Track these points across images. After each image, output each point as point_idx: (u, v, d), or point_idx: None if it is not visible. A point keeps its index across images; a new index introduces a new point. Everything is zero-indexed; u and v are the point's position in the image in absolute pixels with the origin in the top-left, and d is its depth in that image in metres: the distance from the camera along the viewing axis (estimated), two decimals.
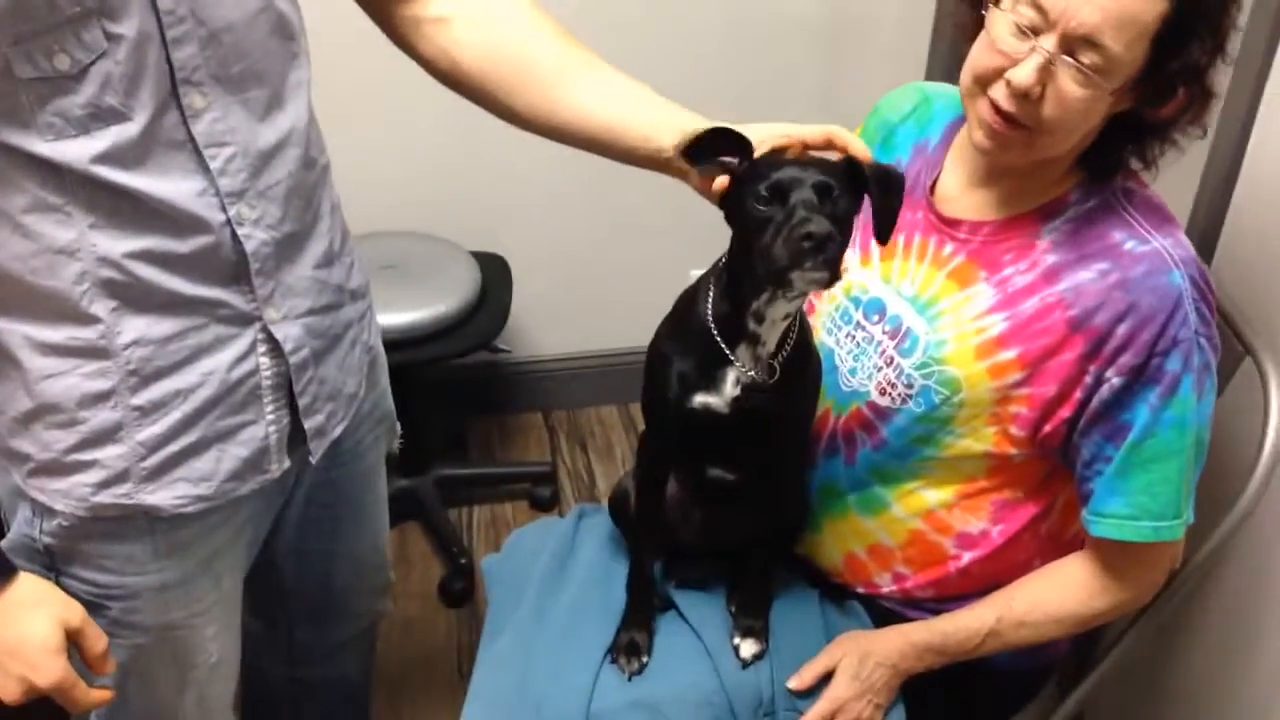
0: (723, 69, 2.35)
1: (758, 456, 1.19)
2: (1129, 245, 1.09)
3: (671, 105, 1.11)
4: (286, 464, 1.09)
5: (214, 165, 0.93)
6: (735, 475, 1.21)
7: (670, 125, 1.07)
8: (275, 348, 1.03)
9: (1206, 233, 1.34)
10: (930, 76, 2.07)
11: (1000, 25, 1.05)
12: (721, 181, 1.03)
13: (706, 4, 2.27)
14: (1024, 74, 1.03)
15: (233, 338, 1.00)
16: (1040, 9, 1.02)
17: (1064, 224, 1.12)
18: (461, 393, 2.60)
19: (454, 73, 1.12)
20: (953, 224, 1.19)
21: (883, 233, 1.03)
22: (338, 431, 1.15)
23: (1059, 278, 1.10)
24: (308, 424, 1.09)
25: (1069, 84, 1.02)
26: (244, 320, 1.01)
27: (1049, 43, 1.02)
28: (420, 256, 2.21)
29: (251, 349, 1.02)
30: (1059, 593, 1.18)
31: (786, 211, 0.97)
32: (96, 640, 0.99)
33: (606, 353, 2.65)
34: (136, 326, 0.95)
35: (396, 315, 2.04)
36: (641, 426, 2.76)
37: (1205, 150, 1.33)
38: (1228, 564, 1.39)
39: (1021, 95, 1.03)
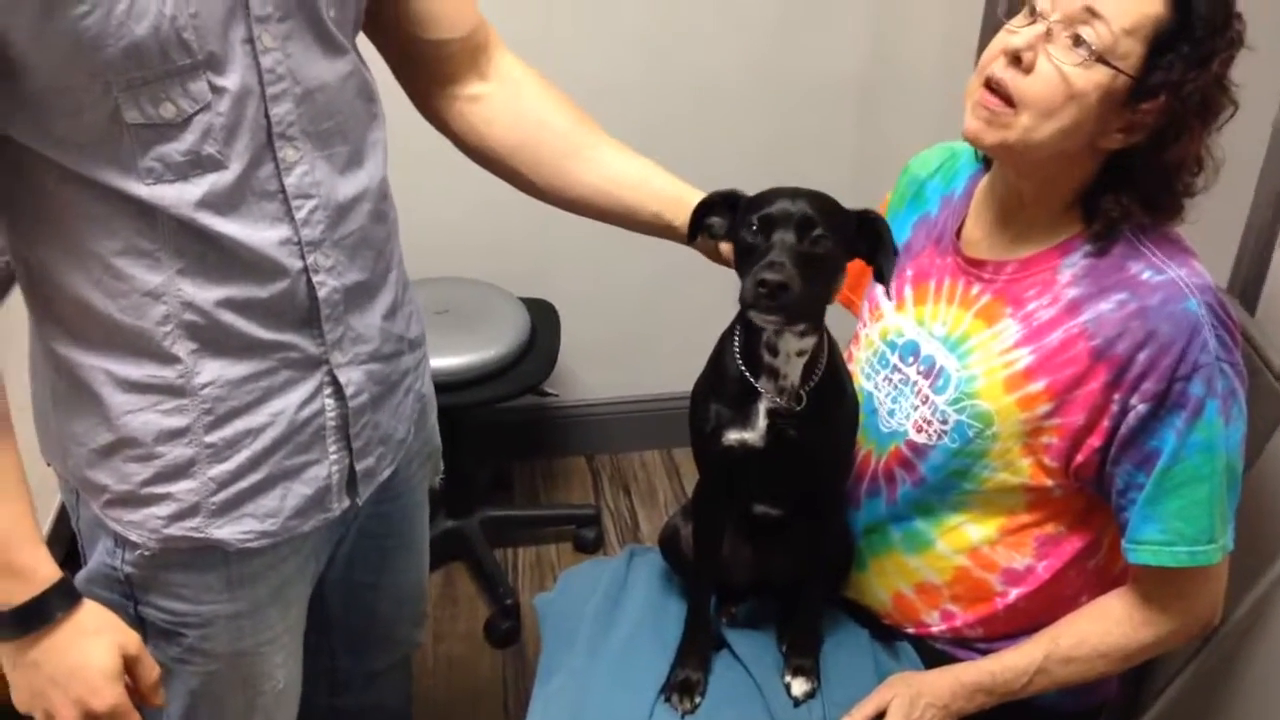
0: (758, 126, 2.40)
1: (799, 490, 1.22)
2: (1145, 275, 1.11)
3: (678, 181, 1.22)
4: (347, 503, 1.13)
5: (299, 215, 0.98)
6: (780, 511, 1.24)
7: (680, 202, 1.18)
8: (339, 390, 1.07)
9: (1248, 287, 1.35)
10: None
11: (1015, 18, 1.11)
12: (725, 250, 1.13)
13: (742, 60, 2.33)
14: (1019, 37, 1.08)
15: (301, 380, 1.04)
16: None
17: (1082, 259, 1.15)
18: (507, 435, 2.64)
19: (481, 147, 1.21)
20: (978, 265, 1.22)
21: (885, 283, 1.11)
22: (385, 474, 1.18)
23: (1080, 310, 1.13)
24: (359, 466, 1.12)
25: (1061, 54, 1.06)
26: (313, 364, 1.05)
27: (1055, 17, 1.07)
28: (471, 302, 2.27)
29: (318, 391, 1.06)
30: (1104, 627, 1.19)
31: (765, 246, 1.04)
32: (151, 670, 1.02)
33: (650, 397, 2.69)
34: (214, 368, 0.99)
35: (447, 359, 2.09)
36: (684, 470, 2.79)
37: (1246, 206, 1.35)
38: (1277, 611, 1.39)
39: (1013, 57, 1.08)
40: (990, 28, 2.16)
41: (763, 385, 1.13)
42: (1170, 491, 1.11)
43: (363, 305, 1.07)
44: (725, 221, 1.13)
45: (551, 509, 2.61)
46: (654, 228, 1.22)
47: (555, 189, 1.22)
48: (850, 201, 1.14)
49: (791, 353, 1.12)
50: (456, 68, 1.18)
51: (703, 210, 1.13)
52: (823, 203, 1.07)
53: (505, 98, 1.20)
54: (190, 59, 0.87)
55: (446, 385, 2.09)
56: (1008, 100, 1.09)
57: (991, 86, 1.10)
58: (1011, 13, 1.13)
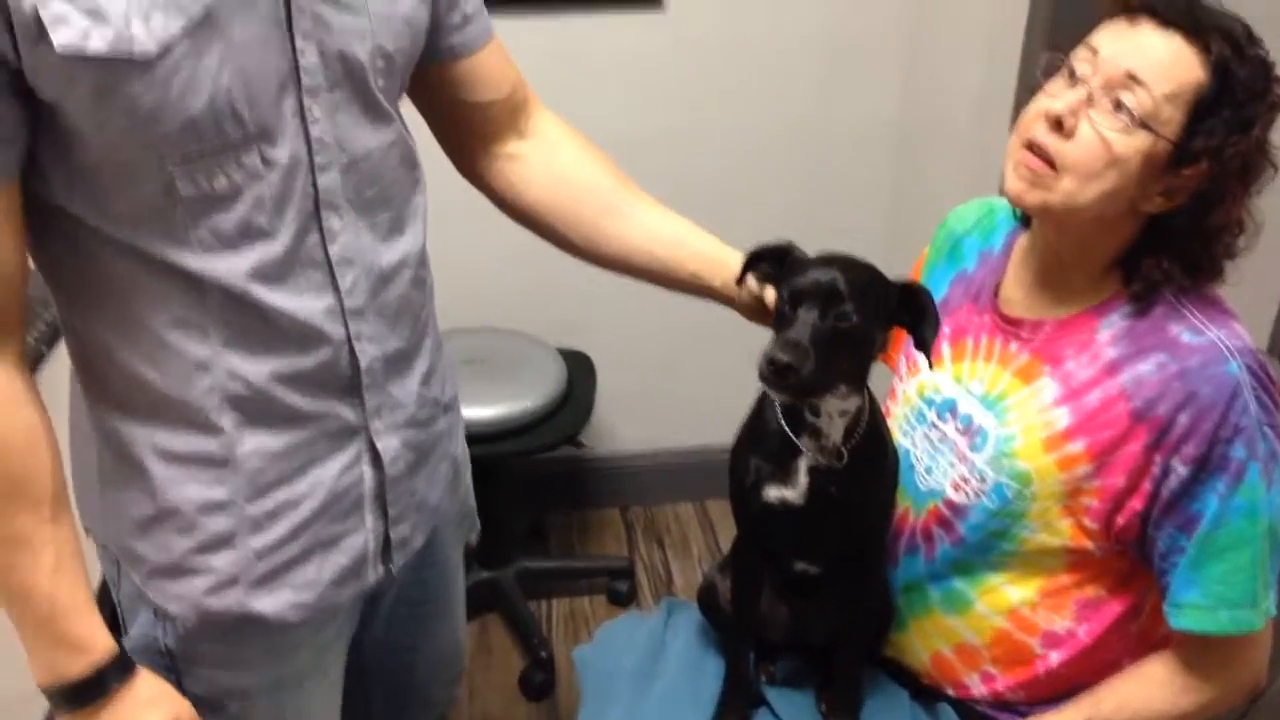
0: (795, 176, 2.43)
1: (839, 547, 1.22)
2: (1185, 337, 1.11)
3: (716, 241, 1.22)
4: (382, 572, 1.12)
5: (343, 284, 0.98)
6: (819, 568, 1.24)
7: (717, 262, 1.20)
8: (377, 458, 1.07)
9: None
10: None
11: (1055, 81, 1.12)
12: (769, 296, 1.13)
13: (780, 107, 2.36)
14: (1060, 102, 1.08)
15: (340, 449, 1.04)
16: (1094, 50, 1.09)
17: (1121, 319, 1.16)
18: (541, 486, 2.65)
19: (519, 205, 1.22)
20: (1016, 324, 1.23)
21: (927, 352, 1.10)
22: (419, 542, 1.17)
23: (1119, 370, 1.13)
24: (394, 534, 1.11)
25: (1103, 119, 1.07)
26: (352, 432, 1.04)
27: (1095, 82, 1.08)
28: (509, 352, 2.29)
29: (357, 459, 1.05)
30: (1145, 691, 1.18)
31: (790, 318, 1.04)
32: None
33: (684, 450, 2.69)
34: (256, 439, 0.99)
35: (485, 409, 2.11)
36: (717, 523, 2.78)
37: None
38: None
39: (1054, 122, 1.08)
40: (1027, 86, 2.18)
41: (804, 443, 1.14)
42: (1212, 556, 1.11)
43: (401, 372, 1.08)
44: (774, 271, 1.14)
45: (585, 560, 2.61)
46: (691, 287, 1.22)
47: (592, 247, 1.22)
48: (888, 251, 1.14)
49: (834, 413, 1.12)
50: (496, 127, 1.19)
51: (755, 258, 1.14)
52: (857, 275, 1.06)
53: (543, 156, 1.22)
54: (243, 132, 0.88)
55: (484, 436, 2.11)
56: (1049, 162, 1.09)
57: (1032, 148, 1.11)
58: (1049, 70, 1.15)
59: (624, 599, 2.48)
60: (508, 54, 1.18)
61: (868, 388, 1.15)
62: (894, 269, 1.13)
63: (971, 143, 2.36)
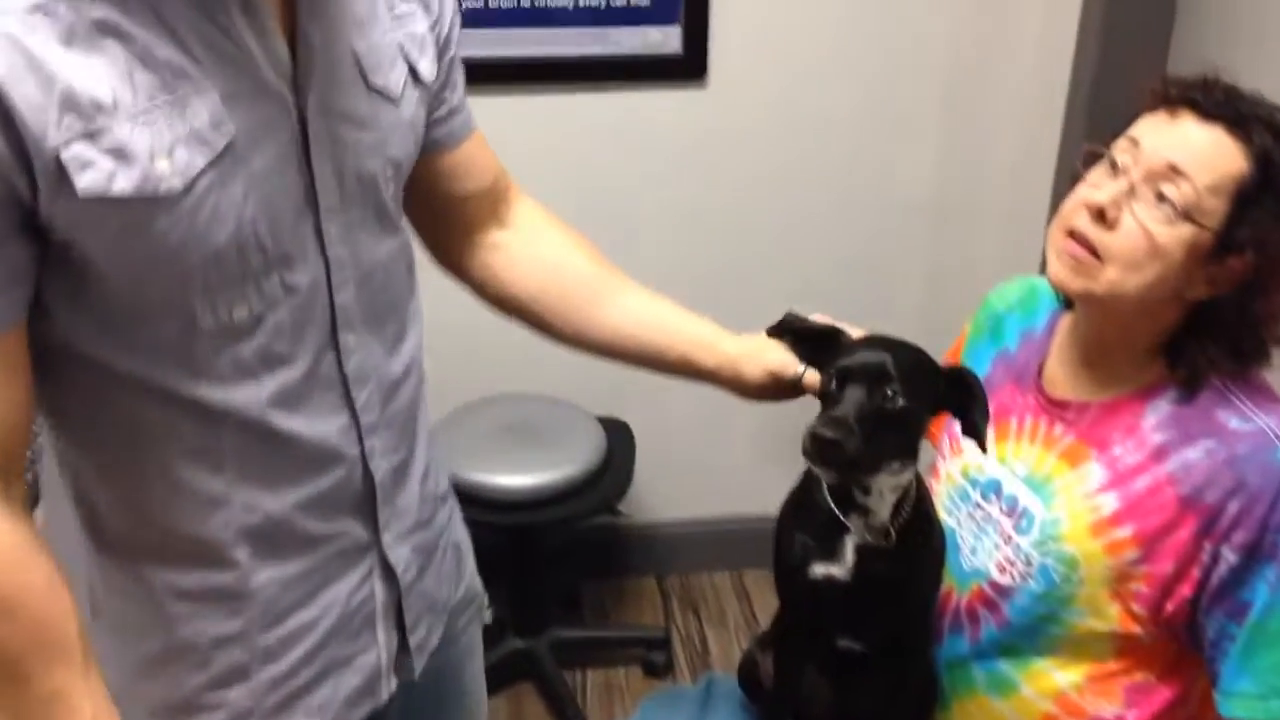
0: (833, 247, 2.45)
1: (884, 625, 1.22)
2: (1233, 424, 1.11)
3: (706, 323, 1.22)
4: (394, 687, 1.09)
5: (358, 401, 0.96)
6: (863, 646, 1.23)
7: (706, 346, 1.19)
8: (387, 571, 1.05)
9: None
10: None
11: (1096, 171, 1.13)
12: (811, 380, 1.14)
13: (818, 183, 2.39)
14: (1103, 193, 1.09)
15: (351, 567, 1.02)
16: (1135, 142, 1.10)
17: (1167, 405, 1.15)
18: (577, 554, 2.65)
19: (502, 295, 1.21)
20: (1061, 405, 1.23)
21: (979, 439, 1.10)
22: (434, 642, 1.15)
23: (1167, 456, 1.13)
24: (412, 640, 1.09)
25: (1145, 210, 1.08)
26: (364, 549, 1.03)
27: (1137, 173, 1.09)
28: (549, 420, 2.31)
29: (368, 575, 1.04)
30: None
31: (836, 397, 1.05)
32: None
33: (721, 519, 2.69)
34: (270, 568, 0.96)
35: (524, 477, 2.12)
36: (753, 593, 2.76)
37: None
38: None
39: (1097, 213, 1.09)
40: (1065, 165, 2.20)
41: (852, 521, 1.14)
42: (1264, 645, 1.09)
43: (405, 479, 1.06)
44: (810, 351, 1.14)
45: (621, 630, 2.60)
46: (682, 369, 1.21)
47: (578, 334, 1.21)
48: (925, 329, 1.14)
49: (885, 490, 1.12)
50: (479, 218, 1.19)
51: (798, 333, 1.15)
52: (905, 357, 1.07)
53: (524, 244, 1.21)
54: (265, 259, 0.87)
55: (523, 503, 2.12)
56: (1092, 250, 1.10)
57: (1075, 236, 1.12)
58: (1089, 161, 1.16)
59: (660, 671, 2.46)
60: (488, 144, 1.17)
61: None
62: (931, 347, 1.14)
63: (1009, 221, 2.38)
